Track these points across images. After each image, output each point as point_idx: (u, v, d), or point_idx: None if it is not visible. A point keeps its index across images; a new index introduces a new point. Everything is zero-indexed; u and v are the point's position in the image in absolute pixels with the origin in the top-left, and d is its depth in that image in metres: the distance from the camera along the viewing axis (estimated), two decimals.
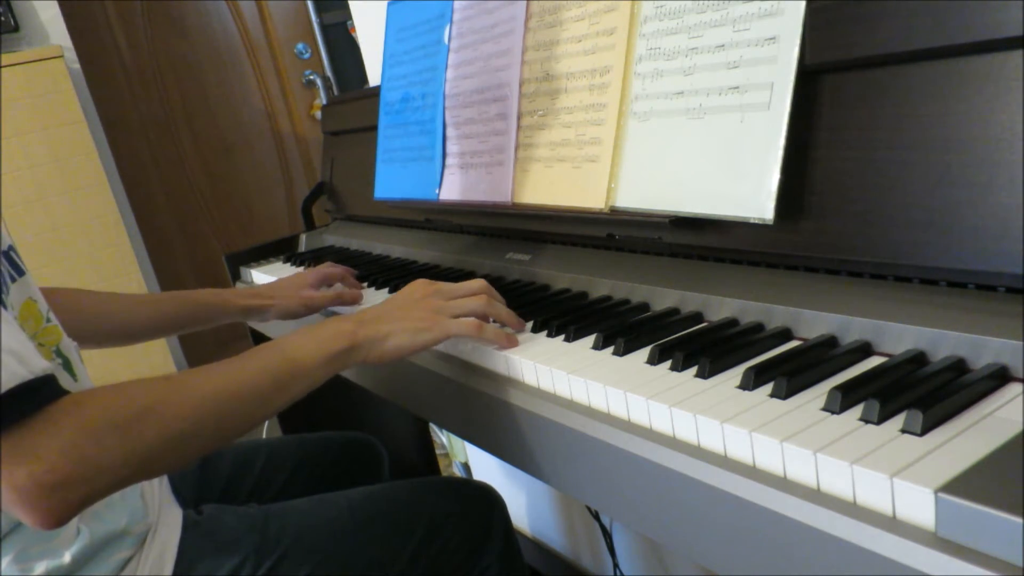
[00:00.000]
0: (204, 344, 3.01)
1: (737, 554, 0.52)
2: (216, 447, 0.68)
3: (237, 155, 3.12)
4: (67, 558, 0.73)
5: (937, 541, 0.41)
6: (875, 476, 0.44)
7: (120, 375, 0.70)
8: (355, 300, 1.05)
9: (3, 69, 2.31)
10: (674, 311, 0.76)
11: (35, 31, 2.56)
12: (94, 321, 0.96)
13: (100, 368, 0.90)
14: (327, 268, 1.12)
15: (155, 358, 2.61)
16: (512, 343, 0.76)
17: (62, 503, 0.56)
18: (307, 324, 0.84)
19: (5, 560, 0.70)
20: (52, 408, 0.57)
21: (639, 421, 0.60)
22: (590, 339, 0.73)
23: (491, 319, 0.79)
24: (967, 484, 0.41)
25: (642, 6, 0.80)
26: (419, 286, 0.80)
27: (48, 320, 0.78)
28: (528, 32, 0.95)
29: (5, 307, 0.70)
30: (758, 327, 0.68)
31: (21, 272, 0.77)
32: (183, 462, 0.67)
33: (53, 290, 0.88)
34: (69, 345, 0.80)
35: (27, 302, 0.76)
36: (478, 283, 0.80)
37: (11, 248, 0.77)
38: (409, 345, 0.76)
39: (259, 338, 1.41)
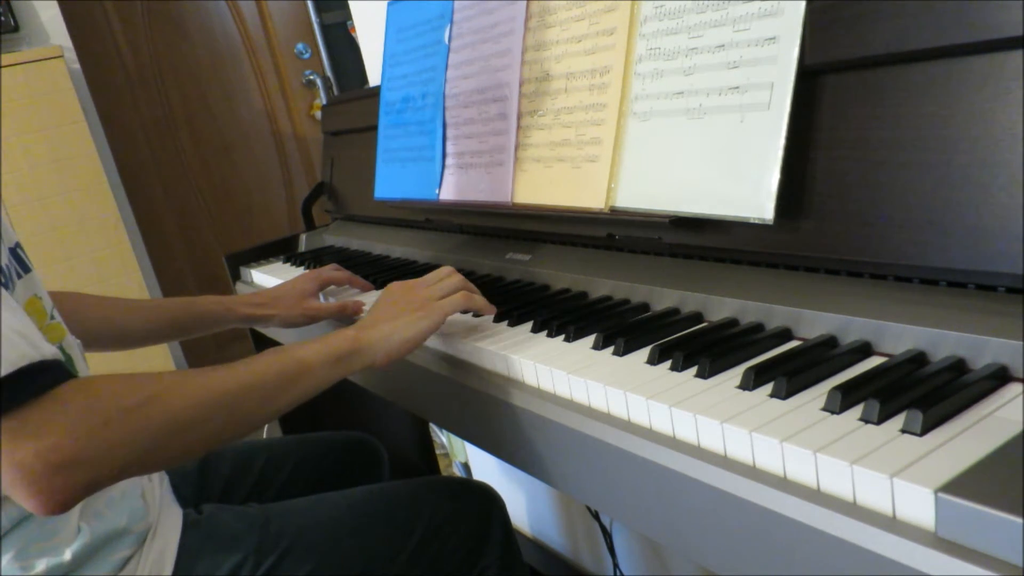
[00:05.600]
0: (204, 345, 3.01)
1: (737, 554, 0.52)
2: (220, 441, 0.68)
3: (237, 155, 3.11)
4: (67, 556, 0.73)
5: (937, 541, 0.41)
6: (875, 476, 0.44)
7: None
8: (357, 311, 1.03)
9: (3, 69, 2.31)
10: (674, 311, 0.76)
11: (35, 31, 2.56)
12: (96, 326, 0.97)
13: (99, 368, 0.90)
14: (331, 272, 1.11)
15: (155, 360, 2.61)
16: (492, 309, 0.85)
17: (66, 484, 0.56)
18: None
19: (5, 558, 0.70)
20: (60, 389, 0.58)
21: (639, 421, 0.60)
22: (590, 339, 0.73)
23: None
24: (967, 484, 0.41)
25: (642, 6, 0.80)
26: (396, 286, 0.84)
27: (52, 318, 0.79)
28: (528, 32, 0.95)
29: None
30: (758, 327, 0.68)
31: (27, 269, 0.77)
32: (187, 454, 0.67)
33: (55, 294, 0.88)
34: (72, 343, 0.80)
35: (32, 299, 0.76)
36: (446, 268, 0.86)
37: (18, 245, 0.78)
38: (415, 335, 0.78)
39: (258, 338, 1.41)
